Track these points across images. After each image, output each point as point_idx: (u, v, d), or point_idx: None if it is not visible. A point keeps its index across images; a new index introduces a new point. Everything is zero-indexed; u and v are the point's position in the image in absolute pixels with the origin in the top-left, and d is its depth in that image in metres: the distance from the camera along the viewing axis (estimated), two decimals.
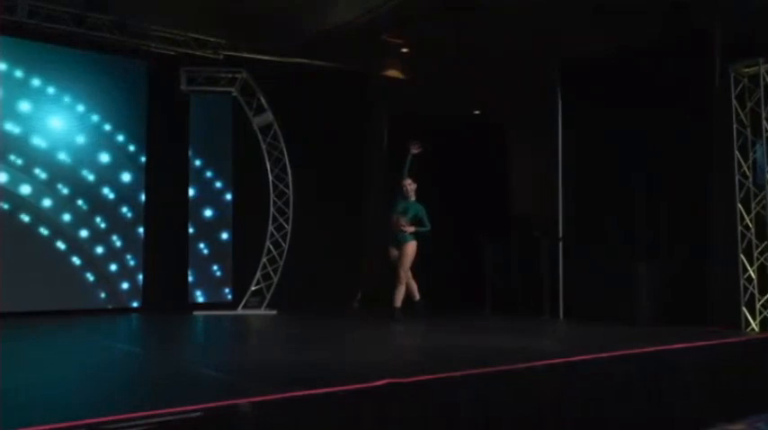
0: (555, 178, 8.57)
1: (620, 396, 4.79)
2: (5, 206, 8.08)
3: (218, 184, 9.43)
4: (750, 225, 6.92)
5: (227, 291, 9.34)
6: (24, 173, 8.22)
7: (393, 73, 10.15)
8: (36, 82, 8.35)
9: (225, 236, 9.33)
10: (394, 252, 7.65)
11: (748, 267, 6.88)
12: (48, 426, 2.86)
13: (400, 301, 7.58)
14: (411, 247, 7.60)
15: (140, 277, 8.89)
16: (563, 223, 8.47)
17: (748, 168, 7.01)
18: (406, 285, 7.64)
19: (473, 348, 5.67)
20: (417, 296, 7.74)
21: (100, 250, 8.66)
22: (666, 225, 7.46)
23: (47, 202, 8.36)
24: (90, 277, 8.58)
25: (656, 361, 5.20)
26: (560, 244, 8.42)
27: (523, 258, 9.26)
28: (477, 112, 11.39)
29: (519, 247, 9.54)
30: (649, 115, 7.60)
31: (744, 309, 6.80)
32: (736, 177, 6.98)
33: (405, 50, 9.47)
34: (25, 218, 8.21)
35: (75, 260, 8.50)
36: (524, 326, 7.52)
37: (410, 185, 7.75)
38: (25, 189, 8.23)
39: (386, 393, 3.73)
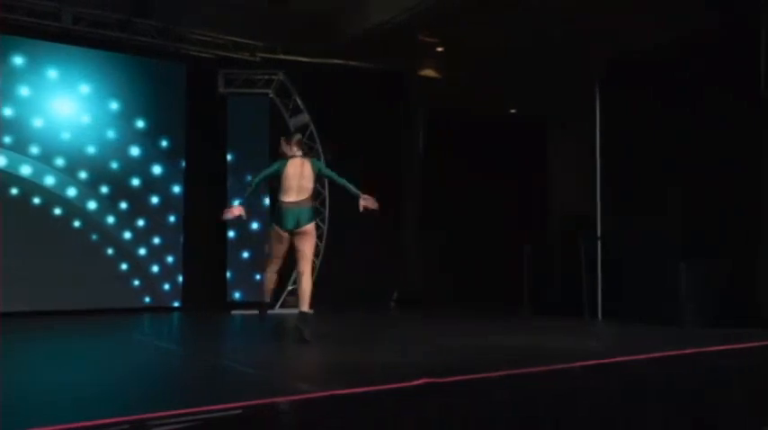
0: (594, 176, 8.45)
1: (661, 399, 4.70)
2: (58, 211, 8.35)
3: None
4: None
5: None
6: (68, 174, 8.44)
7: (429, 72, 10.12)
8: (79, 86, 8.57)
9: (262, 235, 9.41)
10: (281, 235, 5.72)
11: None
12: (90, 423, 2.92)
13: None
14: (313, 229, 5.84)
15: (180, 277, 9.05)
16: (602, 222, 8.35)
17: None
18: (267, 280, 6.00)
19: (511, 348, 5.62)
20: (269, 298, 6.11)
21: (142, 251, 8.85)
22: (712, 223, 7.29)
23: (91, 205, 8.59)
24: (132, 277, 8.78)
25: (700, 363, 5.09)
26: (599, 243, 8.30)
27: (562, 257, 9.14)
28: (513, 111, 11.30)
29: (558, 247, 9.43)
30: (692, 111, 7.44)
31: None
32: None
33: (440, 49, 9.44)
34: (74, 220, 8.47)
35: (120, 261, 8.72)
36: (563, 327, 7.42)
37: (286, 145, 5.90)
38: (71, 191, 8.47)
39: (423, 393, 3.73)
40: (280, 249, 5.83)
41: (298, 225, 5.69)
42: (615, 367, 4.66)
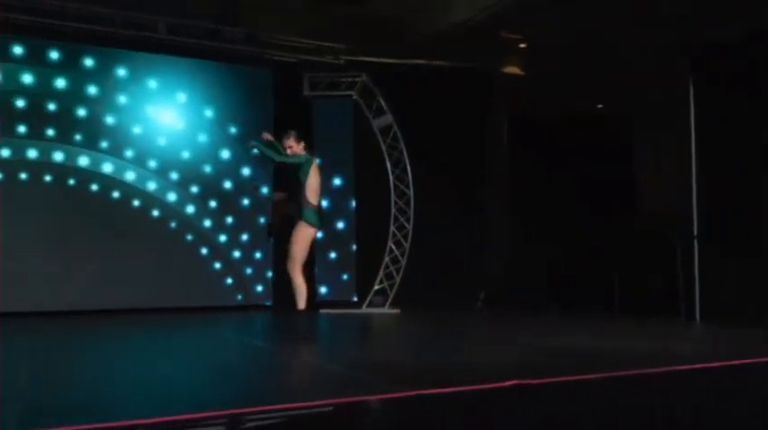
0: (687, 173, 8.07)
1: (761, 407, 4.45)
2: (156, 213, 8.80)
3: (340, 184, 9.67)
4: None
5: (350, 287, 9.56)
6: (165, 179, 8.86)
7: (512, 70, 9.97)
8: (175, 94, 8.97)
9: (347, 235, 9.53)
10: (314, 235, 5.94)
11: None
12: (185, 416, 3.04)
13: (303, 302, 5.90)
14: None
15: (270, 275, 9.30)
16: (698, 220, 7.97)
17: None
18: (302, 286, 5.83)
19: (603, 350, 5.47)
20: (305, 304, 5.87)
21: (236, 253, 9.19)
22: None
23: (190, 209, 9.01)
24: (225, 276, 9.12)
25: None
26: (695, 242, 7.93)
27: (655, 258, 8.80)
28: (600, 106, 10.98)
29: (650, 247, 9.08)
30: None
31: None
32: None
33: (523, 46, 9.28)
34: (172, 223, 8.90)
35: (213, 261, 9.07)
36: (657, 329, 7.16)
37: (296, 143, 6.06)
38: (171, 196, 8.91)
39: (514, 394, 3.68)
40: (307, 250, 5.85)
41: (321, 227, 6.05)
42: (717, 372, 4.45)
